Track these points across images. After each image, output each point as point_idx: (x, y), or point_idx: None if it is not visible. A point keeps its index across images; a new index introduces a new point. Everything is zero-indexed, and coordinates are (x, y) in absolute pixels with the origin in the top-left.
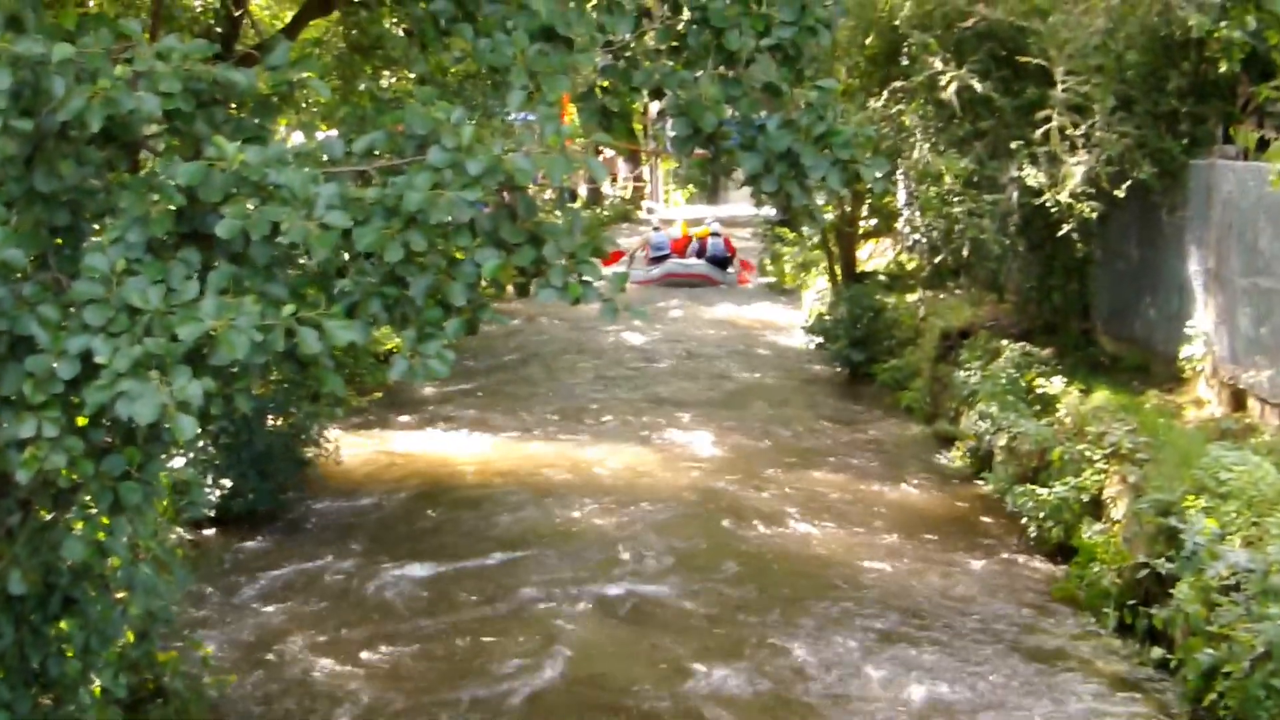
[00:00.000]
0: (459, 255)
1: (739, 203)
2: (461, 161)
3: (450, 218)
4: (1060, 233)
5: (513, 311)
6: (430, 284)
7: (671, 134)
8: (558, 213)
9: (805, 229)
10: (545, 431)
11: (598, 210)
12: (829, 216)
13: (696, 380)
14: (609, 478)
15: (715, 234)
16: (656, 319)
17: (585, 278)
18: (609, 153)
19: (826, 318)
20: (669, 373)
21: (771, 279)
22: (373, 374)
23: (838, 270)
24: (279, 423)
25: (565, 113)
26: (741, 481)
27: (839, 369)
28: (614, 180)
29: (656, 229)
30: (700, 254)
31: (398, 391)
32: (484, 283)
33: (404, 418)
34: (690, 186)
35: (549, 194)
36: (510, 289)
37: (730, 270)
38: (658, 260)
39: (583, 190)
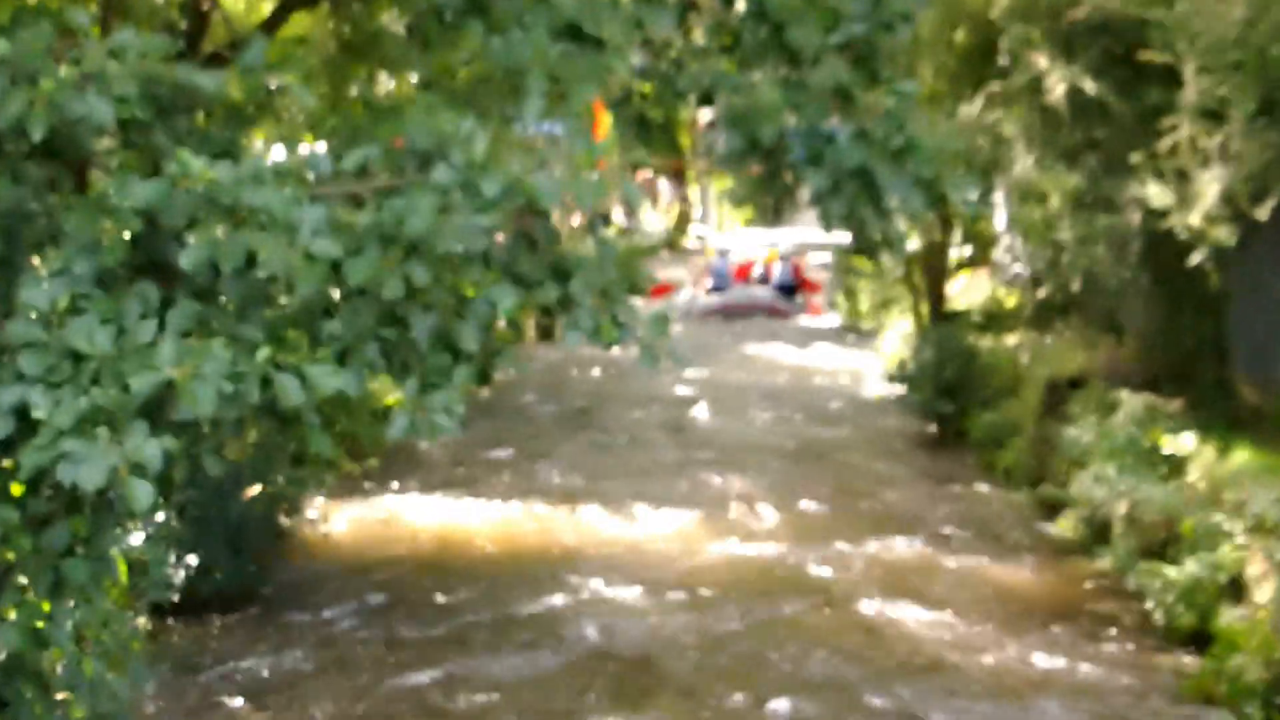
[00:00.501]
0: (470, 292)
1: (807, 226)
2: (473, 181)
3: (460, 247)
4: (1190, 262)
5: (536, 357)
6: (436, 325)
7: (724, 148)
8: (588, 241)
9: (886, 258)
10: (575, 498)
11: (635, 238)
12: (912, 245)
13: (755, 436)
14: (653, 554)
15: (783, 258)
16: (709, 360)
17: (620, 318)
18: (649, 171)
19: (910, 363)
20: (723, 427)
21: (844, 317)
22: (369, 433)
23: (923, 308)
24: (256, 491)
25: (597, 124)
26: (809, 556)
27: (924, 424)
28: (655, 203)
29: (723, 253)
30: (765, 281)
31: (399, 453)
32: (500, 324)
33: (406, 484)
34: (748, 208)
35: (577, 219)
36: (531, 331)
37: (799, 299)
38: (717, 290)
39: (618, 215)
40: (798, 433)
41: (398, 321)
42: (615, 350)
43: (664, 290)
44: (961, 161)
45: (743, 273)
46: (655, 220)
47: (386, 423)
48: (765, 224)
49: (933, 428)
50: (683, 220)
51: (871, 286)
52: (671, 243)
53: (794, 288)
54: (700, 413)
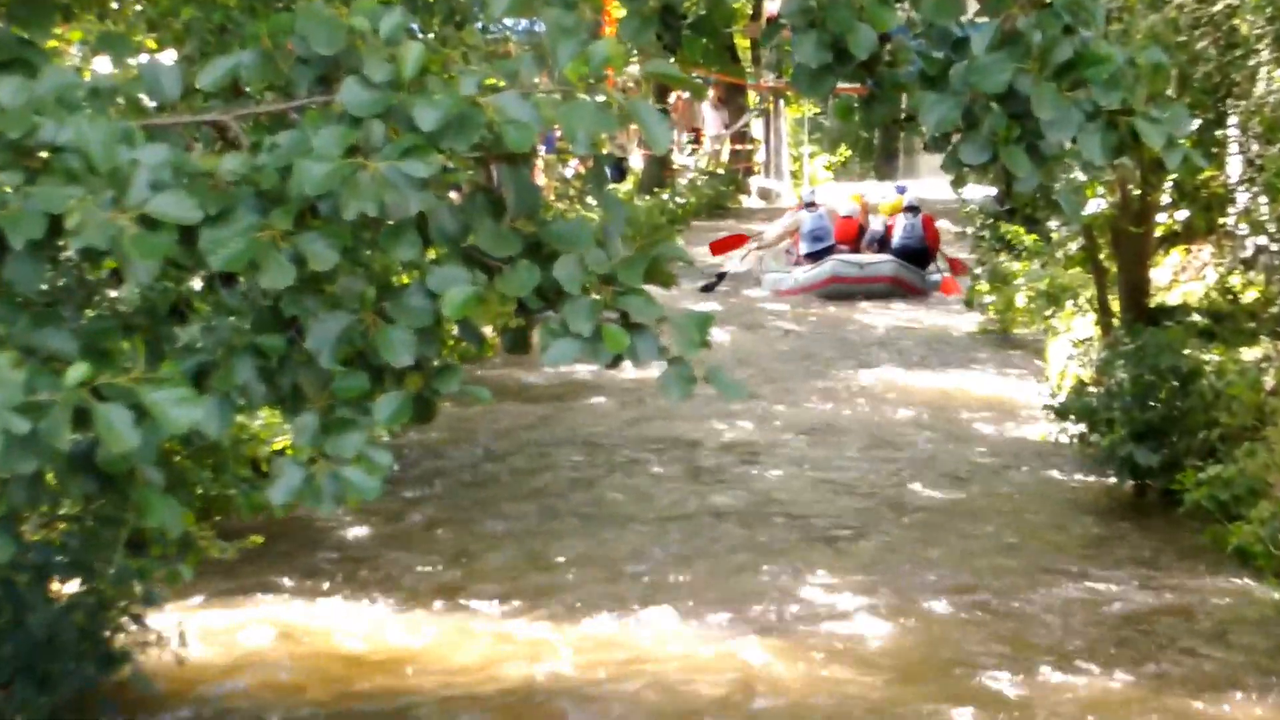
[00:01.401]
0: (400, 279)
1: (931, 177)
2: (402, 106)
3: (380, 210)
4: None
5: (504, 379)
6: (345, 330)
7: (798, 58)
8: (588, 201)
9: (1052, 225)
10: (564, 603)
11: (661, 196)
12: (1094, 206)
13: (850, 500)
14: (684, 694)
15: (911, 209)
16: (780, 382)
17: (634, 318)
18: (685, 92)
19: (1091, 389)
20: (798, 484)
21: (988, 315)
22: (248, 498)
23: (1113, 303)
24: (72, 589)
25: (606, 16)
26: (942, 696)
27: (1113, 478)
28: (696, 142)
29: (810, 205)
30: (883, 245)
31: (293, 528)
32: (448, 329)
33: (301, 579)
34: (839, 149)
35: (572, 168)
36: (496, 338)
37: (932, 271)
38: (815, 256)
39: (635, 159)
40: (916, 490)
41: (286, 324)
42: (630, 369)
43: (730, 244)
44: (1165, 81)
45: (849, 231)
46: (693, 165)
47: (269, 481)
48: (865, 176)
49: (1127, 484)
50: (742, 165)
51: (1030, 271)
52: (719, 200)
53: (925, 253)
54: (759, 463)
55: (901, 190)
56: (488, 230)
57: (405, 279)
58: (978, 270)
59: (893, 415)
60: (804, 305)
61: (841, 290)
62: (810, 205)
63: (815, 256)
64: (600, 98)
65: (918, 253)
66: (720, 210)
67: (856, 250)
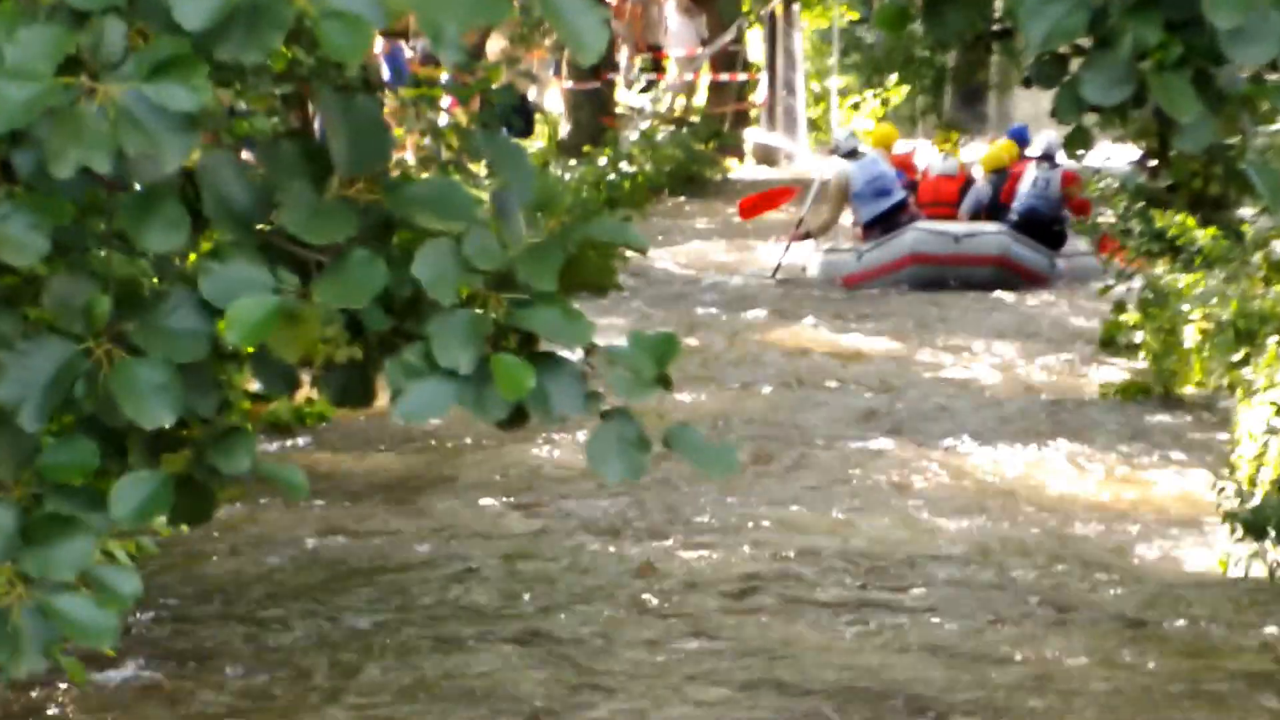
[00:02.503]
0: (155, 284)
1: (1032, 137)
2: None
3: (117, 166)
4: None
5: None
6: (60, 370)
7: None
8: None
9: (1243, 213)
10: None
11: (598, 161)
12: None
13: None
14: None
15: (1046, 158)
16: (790, 450)
17: (548, 343)
18: None
19: None
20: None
21: (1138, 360)
22: None
23: None
24: None
25: None
26: None
27: None
28: (656, 69)
29: (852, 153)
30: (992, 209)
31: None
32: (234, 366)
33: None
34: (888, 83)
35: (445, 113)
36: (317, 378)
37: (1068, 254)
38: (884, 220)
39: (553, 99)
40: (1031, 670)
41: None
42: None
43: (769, 201)
44: None
45: (947, 190)
46: (649, 108)
47: None
48: (929, 130)
49: None
50: (725, 110)
51: (1206, 289)
52: (692, 165)
53: (1057, 224)
54: (752, 607)
55: (1020, 134)
56: (301, 201)
57: (161, 283)
58: (1120, 286)
59: (973, 530)
60: (875, 297)
61: (927, 275)
62: (852, 153)
63: (884, 221)
64: None
65: (1047, 222)
66: (694, 183)
67: (946, 212)
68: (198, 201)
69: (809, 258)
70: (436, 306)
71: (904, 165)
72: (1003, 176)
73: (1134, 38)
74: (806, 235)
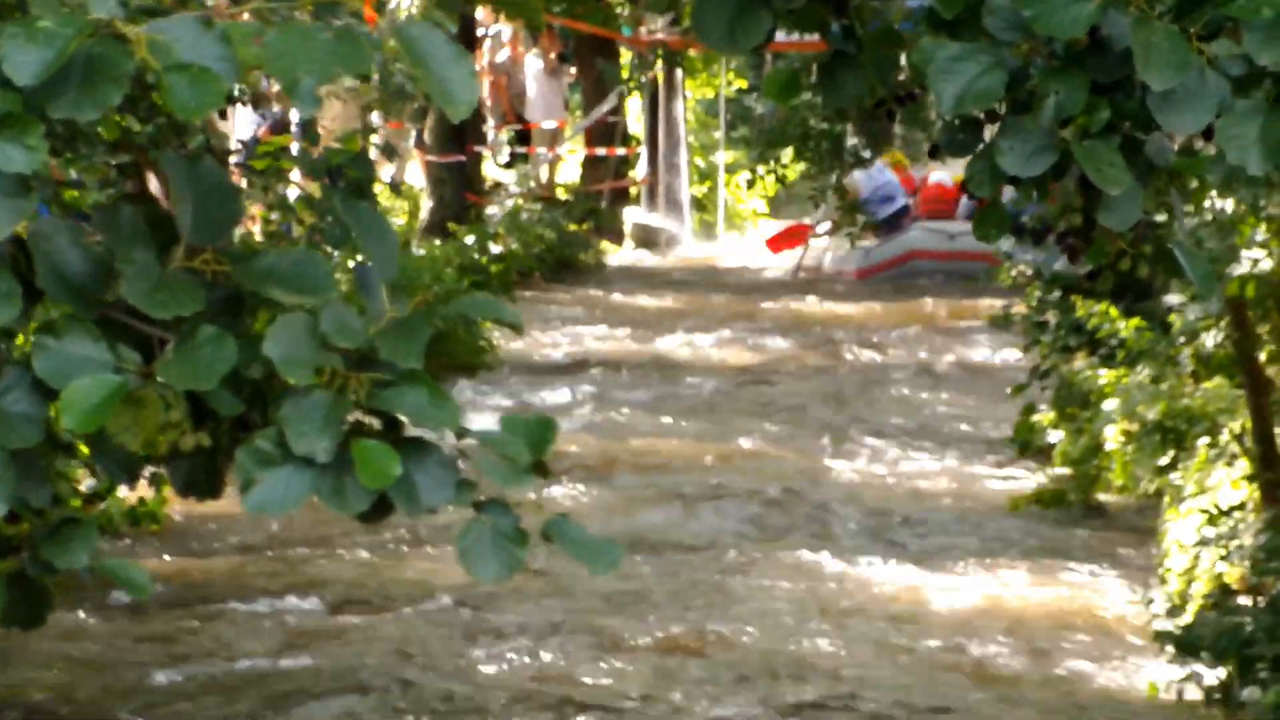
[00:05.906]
0: None
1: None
2: None
3: None
4: None
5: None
6: None
7: None
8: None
9: (1170, 299)
10: None
11: (465, 239)
12: (1243, 264)
13: None
14: None
15: None
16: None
17: (413, 427)
18: (503, 47)
19: (1242, 600)
20: None
21: (1055, 467)
22: None
23: None
24: None
25: None
26: None
27: None
28: (524, 141)
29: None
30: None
31: None
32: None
33: None
34: (775, 156)
35: (296, 187)
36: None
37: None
38: (889, 223)
39: (413, 173)
40: None
41: None
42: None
43: (793, 238)
44: None
45: (937, 195)
46: (514, 185)
47: None
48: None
49: None
50: (601, 188)
51: (1130, 386)
52: (564, 248)
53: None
54: None
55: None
56: (144, 272)
57: None
58: (1034, 384)
59: (883, 660)
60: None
61: (924, 269)
62: (860, 163)
63: (890, 224)
64: (344, 20)
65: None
66: (567, 269)
67: (945, 212)
68: (30, 272)
69: (823, 255)
70: (291, 388)
71: (944, 190)
72: None
73: (1057, 102)
74: (816, 235)
